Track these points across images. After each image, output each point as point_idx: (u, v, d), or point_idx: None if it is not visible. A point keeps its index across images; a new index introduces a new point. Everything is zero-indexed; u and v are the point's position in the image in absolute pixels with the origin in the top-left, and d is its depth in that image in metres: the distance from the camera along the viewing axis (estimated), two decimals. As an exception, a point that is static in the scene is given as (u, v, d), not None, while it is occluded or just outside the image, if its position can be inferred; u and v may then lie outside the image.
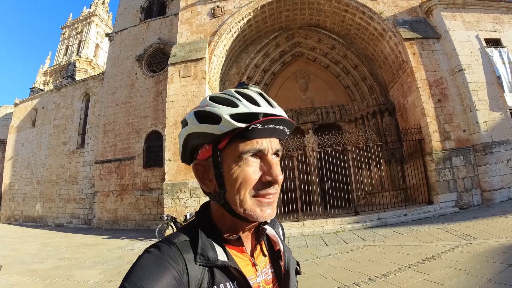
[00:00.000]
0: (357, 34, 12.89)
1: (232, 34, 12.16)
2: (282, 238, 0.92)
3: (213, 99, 0.73)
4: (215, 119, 0.68)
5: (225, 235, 0.74)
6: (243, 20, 12.07)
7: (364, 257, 5.09)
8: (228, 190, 0.70)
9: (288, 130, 0.74)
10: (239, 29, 12.29)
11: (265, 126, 0.68)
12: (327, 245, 6.60)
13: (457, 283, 3.37)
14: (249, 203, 0.69)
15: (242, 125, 0.67)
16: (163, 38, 15.87)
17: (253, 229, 0.80)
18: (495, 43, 11.92)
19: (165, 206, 10.16)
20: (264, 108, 0.70)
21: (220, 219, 0.75)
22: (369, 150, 10.37)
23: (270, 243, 0.87)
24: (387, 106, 12.57)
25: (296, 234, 8.36)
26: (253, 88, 0.75)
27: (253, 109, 0.69)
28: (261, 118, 0.68)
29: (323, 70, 14.13)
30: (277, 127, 0.70)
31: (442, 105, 10.31)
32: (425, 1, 11.96)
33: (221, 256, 0.70)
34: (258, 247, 0.82)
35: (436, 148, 9.94)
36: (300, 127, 13.20)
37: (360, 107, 13.32)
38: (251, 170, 0.69)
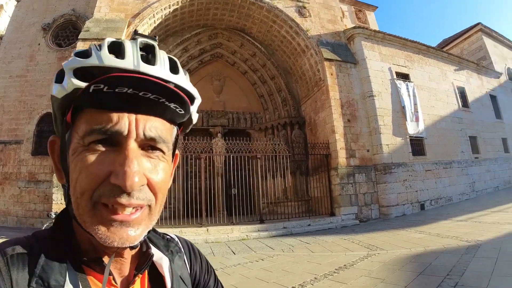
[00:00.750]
0: (279, 46, 13.54)
1: (154, 21, 11.59)
2: (184, 274, 0.67)
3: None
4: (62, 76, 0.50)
5: (86, 256, 0.53)
6: (169, 8, 11.60)
7: (276, 267, 5.08)
8: (70, 186, 0.50)
9: (180, 109, 0.52)
10: (163, 16, 11.77)
11: (117, 90, 0.45)
12: (234, 253, 6.49)
13: None
14: (88, 215, 0.48)
15: (81, 84, 0.47)
16: (78, 10, 14.46)
17: (134, 252, 0.60)
18: (404, 77, 13.46)
19: (53, 201, 9.16)
20: (127, 62, 0.48)
21: (78, 229, 0.53)
22: (276, 159, 10.75)
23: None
24: (298, 119, 13.36)
25: (201, 241, 8.12)
26: (142, 39, 0.53)
27: (108, 61, 0.48)
28: (112, 74, 0.46)
29: (240, 76, 14.48)
30: (150, 95, 0.47)
31: (351, 125, 11.24)
32: (349, 28, 13.06)
33: (71, 285, 0.49)
34: (138, 279, 0.58)
35: (341, 164, 10.87)
36: (209, 129, 13.24)
37: (272, 117, 13.90)
38: (93, 160, 0.48)
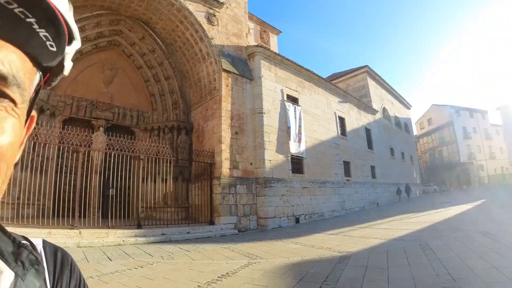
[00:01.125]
0: (181, 48, 13.56)
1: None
2: None
3: None
4: None
5: None
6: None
7: (157, 275, 4.90)
8: None
9: (52, 43, 0.37)
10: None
11: None
12: (111, 260, 6.09)
13: None
14: None
15: None
16: None
17: None
18: (294, 100, 14.99)
19: None
20: None
21: None
22: (159, 163, 10.62)
23: None
24: (186, 125, 13.47)
25: (72, 244, 7.30)
26: None
27: None
28: None
29: (134, 70, 14.00)
30: (14, 6, 0.31)
31: (238, 137, 11.89)
32: (252, 46, 13.96)
33: None
34: None
35: (225, 174, 11.32)
36: (92, 121, 12.36)
37: (160, 118, 13.73)
38: None
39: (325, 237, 8.78)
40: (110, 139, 9.40)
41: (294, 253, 6.50)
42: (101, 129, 11.74)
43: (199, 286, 4.15)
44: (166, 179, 11.06)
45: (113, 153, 9.25)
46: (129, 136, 10.50)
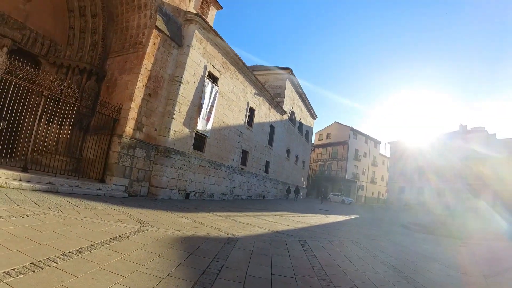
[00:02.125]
0: None
1: None
2: None
3: None
4: None
5: None
6: None
7: (47, 227, 4.78)
8: None
9: None
10: None
11: None
12: None
13: (155, 264, 3.95)
14: None
15: None
16: None
17: None
18: (214, 79, 16.09)
19: None
20: None
21: None
22: (59, 104, 10.01)
23: None
24: (99, 71, 12.97)
25: None
26: None
27: None
28: None
29: None
30: None
31: (150, 100, 12.28)
32: (192, 13, 14.41)
33: None
34: None
35: (127, 133, 11.48)
36: None
37: (73, 56, 12.88)
38: None
39: (214, 218, 9.48)
40: (12, 64, 8.47)
41: (185, 227, 6.97)
42: (5, 49, 10.44)
43: (92, 245, 4.24)
44: (62, 124, 10.42)
45: (11, 80, 8.23)
46: (34, 66, 9.50)
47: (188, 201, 13.95)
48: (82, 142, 12.01)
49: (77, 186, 9.44)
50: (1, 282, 2.62)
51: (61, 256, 3.54)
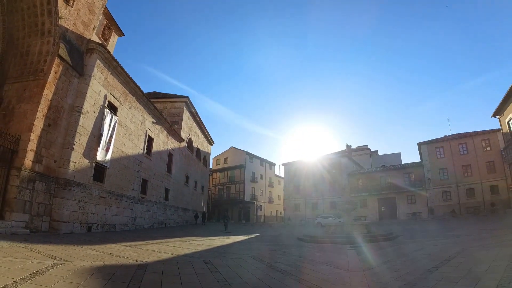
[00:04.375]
0: (22, 10, 12.58)
1: None
2: None
3: None
4: None
5: None
6: None
7: None
8: None
9: None
10: None
11: None
12: None
13: None
14: None
15: None
16: None
17: None
18: (113, 109, 16.64)
19: None
20: None
21: None
22: None
23: None
24: None
25: None
26: None
27: None
28: None
29: None
30: None
31: (50, 130, 12.26)
32: (95, 42, 14.94)
33: None
34: None
35: (26, 166, 11.15)
36: None
37: None
38: None
39: (121, 248, 9.76)
40: None
41: (96, 258, 7.26)
42: None
43: (15, 281, 4.36)
44: None
45: None
46: None
47: (91, 233, 13.95)
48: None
49: (-28, 225, 8.99)
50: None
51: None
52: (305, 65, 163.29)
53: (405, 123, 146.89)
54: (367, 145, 49.88)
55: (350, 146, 51.05)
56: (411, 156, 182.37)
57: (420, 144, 38.92)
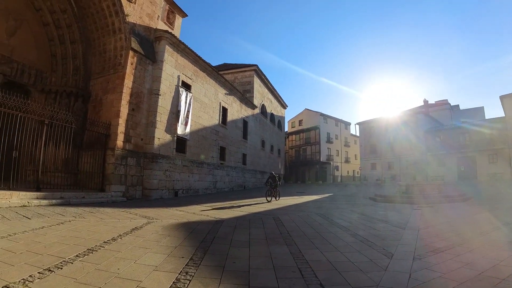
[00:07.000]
0: (93, 15, 14.11)
1: None
2: None
3: None
4: None
5: None
6: None
7: (81, 228, 6.09)
8: None
9: None
10: None
11: None
12: (29, 218, 6.98)
13: (168, 240, 5.37)
14: None
15: None
16: None
17: None
18: (187, 87, 17.59)
19: None
20: None
21: None
22: (53, 127, 10.98)
23: None
24: (84, 93, 14.30)
25: None
26: None
27: None
28: None
29: (41, 26, 13.97)
30: None
31: (134, 113, 13.80)
32: (161, 30, 15.85)
33: None
34: None
35: (118, 146, 13.08)
36: None
37: (59, 81, 14.15)
38: None
39: (202, 208, 11.03)
40: (3, 97, 9.12)
41: (181, 216, 8.58)
42: (-3, 84, 11.53)
43: (120, 235, 5.58)
44: (58, 145, 11.46)
45: (4, 111, 8.96)
46: (24, 96, 10.72)
47: (177, 198, 15.62)
48: (77, 157, 13.20)
49: (83, 197, 11.00)
50: (100, 249, 4.41)
51: (107, 241, 5.06)
52: (384, 15, 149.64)
53: (488, 76, 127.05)
54: (447, 100, 44.55)
55: (428, 101, 46.35)
56: (497, 110, 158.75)
57: (502, 98, 31.35)
